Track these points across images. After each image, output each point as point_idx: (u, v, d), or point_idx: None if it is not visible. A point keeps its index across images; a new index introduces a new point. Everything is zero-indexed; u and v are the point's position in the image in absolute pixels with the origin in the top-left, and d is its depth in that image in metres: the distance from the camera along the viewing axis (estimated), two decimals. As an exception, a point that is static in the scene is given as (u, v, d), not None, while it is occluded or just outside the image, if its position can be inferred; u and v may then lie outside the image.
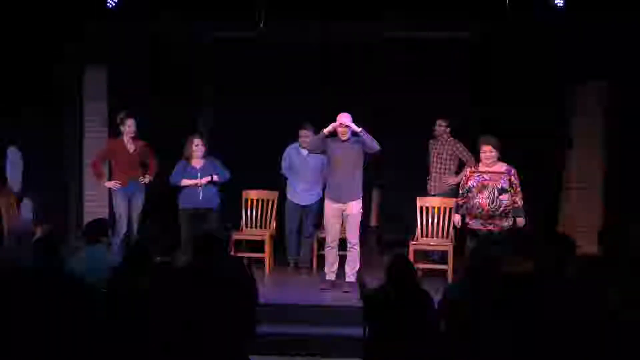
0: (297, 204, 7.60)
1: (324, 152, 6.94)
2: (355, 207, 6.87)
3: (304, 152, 7.53)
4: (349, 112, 6.85)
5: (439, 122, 7.79)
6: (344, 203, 6.84)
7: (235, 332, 4.61)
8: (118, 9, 7.18)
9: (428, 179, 7.90)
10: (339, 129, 6.76)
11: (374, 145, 6.70)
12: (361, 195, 6.94)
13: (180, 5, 7.41)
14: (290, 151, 7.68)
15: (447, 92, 8.18)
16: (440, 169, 7.77)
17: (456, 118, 7.84)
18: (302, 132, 7.51)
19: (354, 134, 6.79)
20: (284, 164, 7.71)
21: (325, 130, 6.80)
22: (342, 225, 6.98)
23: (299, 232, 7.70)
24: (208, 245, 4.84)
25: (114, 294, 4.66)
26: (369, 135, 6.70)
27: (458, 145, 7.69)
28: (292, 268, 7.72)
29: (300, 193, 7.58)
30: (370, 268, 7.20)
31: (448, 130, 7.77)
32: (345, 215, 6.88)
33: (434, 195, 7.69)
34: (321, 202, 7.40)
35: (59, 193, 8.00)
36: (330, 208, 6.91)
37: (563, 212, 8.02)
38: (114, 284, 4.70)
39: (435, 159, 7.83)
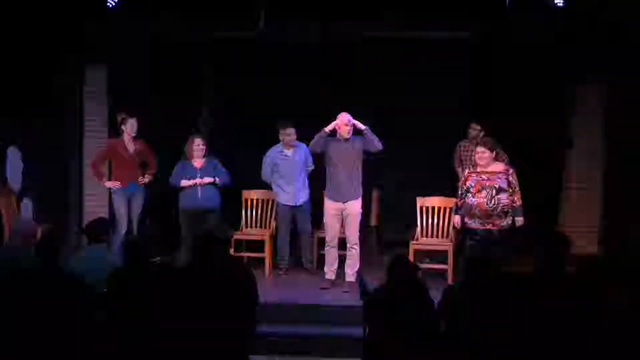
0: (290, 206, 7.51)
1: (322, 151, 6.94)
2: (355, 207, 6.87)
3: (288, 152, 7.48)
4: (349, 112, 6.86)
5: (472, 125, 7.72)
6: (344, 202, 6.84)
7: (235, 332, 4.61)
8: (118, 9, 7.18)
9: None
10: (343, 128, 6.76)
11: (377, 143, 6.71)
12: (361, 194, 6.94)
13: (180, 5, 7.41)
14: (272, 155, 7.52)
15: (447, 92, 8.18)
16: None
17: (487, 122, 7.75)
18: (289, 131, 7.38)
19: (356, 132, 6.80)
20: (266, 171, 7.55)
21: (327, 128, 6.81)
22: (341, 224, 6.97)
23: (295, 235, 7.65)
24: (208, 245, 4.84)
25: (114, 294, 4.66)
26: (373, 134, 6.71)
27: (494, 142, 7.51)
28: (283, 272, 7.61)
29: (290, 194, 7.49)
30: (370, 268, 7.20)
31: (482, 133, 7.71)
32: (345, 214, 6.87)
33: None
34: (310, 200, 7.44)
35: (59, 193, 8.00)
36: (330, 207, 6.91)
37: (563, 212, 8.02)
38: (114, 284, 4.71)
39: (471, 161, 7.74)
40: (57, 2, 7.27)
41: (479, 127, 7.72)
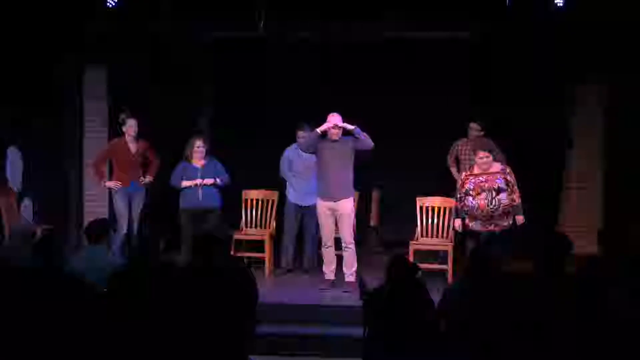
0: (300, 206, 7.54)
1: (314, 152, 6.95)
2: (347, 206, 6.87)
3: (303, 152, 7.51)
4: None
5: (472, 124, 7.61)
6: (335, 202, 6.85)
7: (235, 332, 4.61)
8: (118, 9, 7.19)
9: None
10: (331, 131, 6.78)
11: (368, 142, 6.71)
12: (352, 193, 6.96)
13: (180, 5, 7.41)
14: (289, 153, 7.62)
15: (447, 92, 8.17)
16: None
17: (487, 120, 7.67)
18: (300, 133, 7.44)
19: (347, 133, 6.80)
20: (283, 167, 7.65)
21: (319, 130, 6.81)
22: (336, 224, 6.97)
23: (297, 237, 7.64)
24: (208, 245, 4.85)
25: (114, 294, 4.66)
26: (363, 133, 6.71)
27: (493, 145, 7.35)
28: (283, 272, 7.62)
29: (303, 194, 7.51)
30: (370, 268, 7.20)
31: (482, 133, 7.66)
32: (338, 214, 6.87)
33: None
34: None
35: (59, 193, 8.01)
36: (322, 207, 6.91)
37: (563, 212, 8.02)
38: (114, 284, 4.71)
39: (469, 161, 7.68)
40: (57, 2, 7.27)
41: (479, 127, 7.66)
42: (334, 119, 6.79)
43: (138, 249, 4.99)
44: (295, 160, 7.57)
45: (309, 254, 7.68)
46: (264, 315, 5.27)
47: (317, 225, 7.48)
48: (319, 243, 7.63)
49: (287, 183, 7.65)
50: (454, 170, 7.87)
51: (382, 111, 8.10)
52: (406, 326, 4.46)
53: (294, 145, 7.62)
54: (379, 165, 8.00)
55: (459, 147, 7.82)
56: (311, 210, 7.47)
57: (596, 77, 7.67)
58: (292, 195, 7.60)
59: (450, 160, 7.92)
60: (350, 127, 6.75)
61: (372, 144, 6.71)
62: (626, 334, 4.19)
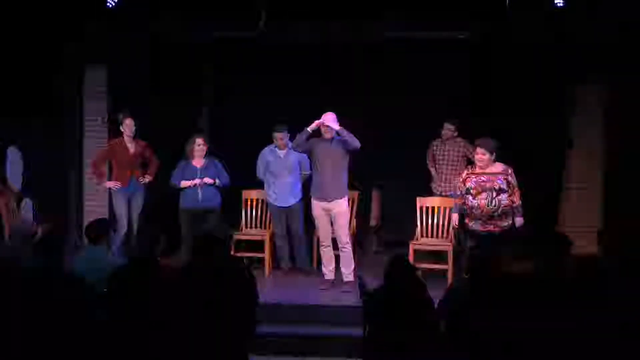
0: (279, 207, 7.53)
1: (308, 151, 6.94)
2: (341, 206, 6.88)
3: (281, 152, 7.48)
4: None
5: (446, 125, 7.72)
6: (330, 202, 6.85)
7: (235, 332, 4.62)
8: (118, 9, 7.19)
9: (436, 180, 7.86)
10: (322, 128, 6.79)
11: (354, 142, 6.71)
12: (347, 194, 6.98)
13: (180, 5, 7.41)
14: (265, 153, 7.56)
15: (447, 92, 8.17)
16: (450, 170, 7.71)
17: (461, 119, 7.78)
18: (278, 135, 7.39)
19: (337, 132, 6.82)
20: (259, 169, 7.60)
21: (309, 128, 6.82)
22: (332, 224, 6.97)
23: (289, 236, 7.63)
24: (208, 245, 4.85)
25: (114, 294, 4.66)
26: (349, 133, 6.71)
27: (468, 145, 7.55)
28: (285, 272, 7.64)
29: (280, 195, 7.49)
30: (370, 268, 7.20)
31: (456, 133, 7.72)
32: (333, 215, 6.88)
33: (444, 196, 7.64)
34: (303, 202, 7.41)
35: (59, 193, 8.01)
36: (317, 207, 6.92)
37: (563, 212, 8.02)
38: (114, 284, 4.71)
39: (443, 161, 7.77)
40: (57, 2, 7.27)
41: (452, 127, 7.70)
42: (328, 118, 6.79)
43: (138, 249, 4.97)
44: (272, 162, 7.51)
45: (301, 253, 7.66)
46: (264, 315, 5.27)
47: (304, 225, 7.51)
48: (317, 242, 7.66)
49: (265, 185, 7.63)
50: (432, 170, 7.91)
51: (382, 111, 8.11)
52: (406, 326, 4.46)
53: (270, 146, 7.57)
54: (379, 165, 8.00)
55: (434, 147, 7.87)
56: (293, 211, 7.48)
57: (596, 77, 7.67)
58: (271, 197, 7.55)
59: (429, 159, 7.94)
60: (336, 127, 6.75)
61: (359, 144, 6.71)
62: (626, 335, 4.20)
